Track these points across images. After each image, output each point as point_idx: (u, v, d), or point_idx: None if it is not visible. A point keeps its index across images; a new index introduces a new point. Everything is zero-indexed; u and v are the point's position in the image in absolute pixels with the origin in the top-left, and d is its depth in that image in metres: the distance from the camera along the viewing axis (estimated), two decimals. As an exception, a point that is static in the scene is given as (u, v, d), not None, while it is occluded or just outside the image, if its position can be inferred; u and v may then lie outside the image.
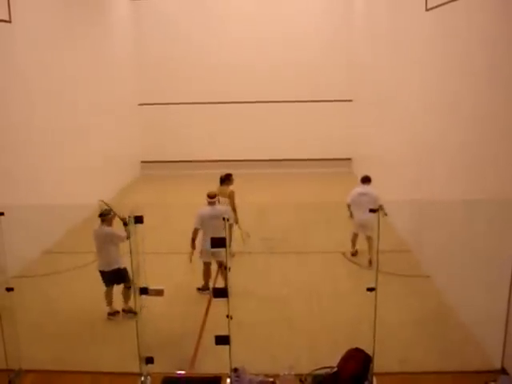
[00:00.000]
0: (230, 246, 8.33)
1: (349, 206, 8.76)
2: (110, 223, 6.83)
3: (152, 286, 5.07)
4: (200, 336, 6.42)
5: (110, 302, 6.99)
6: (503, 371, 5.36)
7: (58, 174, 10.12)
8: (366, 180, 8.87)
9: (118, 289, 7.02)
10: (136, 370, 5.08)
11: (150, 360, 5.11)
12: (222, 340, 4.76)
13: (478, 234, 6.18)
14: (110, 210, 6.82)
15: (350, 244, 9.12)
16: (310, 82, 15.42)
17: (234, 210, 8.65)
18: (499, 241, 5.63)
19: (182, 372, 5.57)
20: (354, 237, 9.03)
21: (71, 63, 11.04)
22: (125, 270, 6.78)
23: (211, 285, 7.74)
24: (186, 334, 6.50)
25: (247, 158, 15.13)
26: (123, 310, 7.02)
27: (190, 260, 7.48)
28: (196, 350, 6.13)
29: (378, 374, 5.00)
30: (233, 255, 8.40)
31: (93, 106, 12.14)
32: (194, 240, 7.40)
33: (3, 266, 5.35)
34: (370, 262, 8.51)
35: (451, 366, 5.59)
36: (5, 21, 8.42)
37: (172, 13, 15.52)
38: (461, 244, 6.68)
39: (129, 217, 4.94)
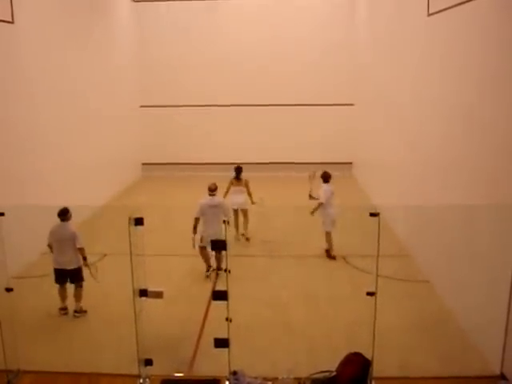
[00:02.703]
0: (246, 227, 9.60)
1: (321, 205, 9.01)
2: (69, 220, 6.94)
3: (151, 288, 5.06)
4: (199, 338, 6.41)
5: (64, 298, 7.00)
6: (502, 377, 5.35)
7: (60, 175, 10.10)
8: (329, 178, 9.16)
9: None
10: (135, 371, 5.07)
11: (148, 362, 5.10)
12: (221, 343, 4.75)
13: (477, 239, 6.18)
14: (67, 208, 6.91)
15: (349, 248, 9.20)
16: (311, 85, 15.45)
17: (250, 194, 9.92)
18: (499, 246, 5.62)
19: (181, 374, 5.57)
20: (329, 235, 9.17)
21: (73, 65, 11.06)
22: (81, 268, 6.92)
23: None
24: (185, 336, 6.48)
25: (248, 161, 15.04)
26: (76, 311, 6.98)
27: (193, 245, 8.08)
28: (195, 352, 6.12)
29: (377, 379, 4.99)
30: (247, 239, 9.81)
31: (94, 107, 12.15)
32: (195, 227, 8.09)
33: (3, 267, 5.34)
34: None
35: (450, 371, 5.57)
36: (7, 21, 8.45)
37: (174, 16, 15.56)
38: (460, 249, 6.67)
39: (130, 218, 4.94)
